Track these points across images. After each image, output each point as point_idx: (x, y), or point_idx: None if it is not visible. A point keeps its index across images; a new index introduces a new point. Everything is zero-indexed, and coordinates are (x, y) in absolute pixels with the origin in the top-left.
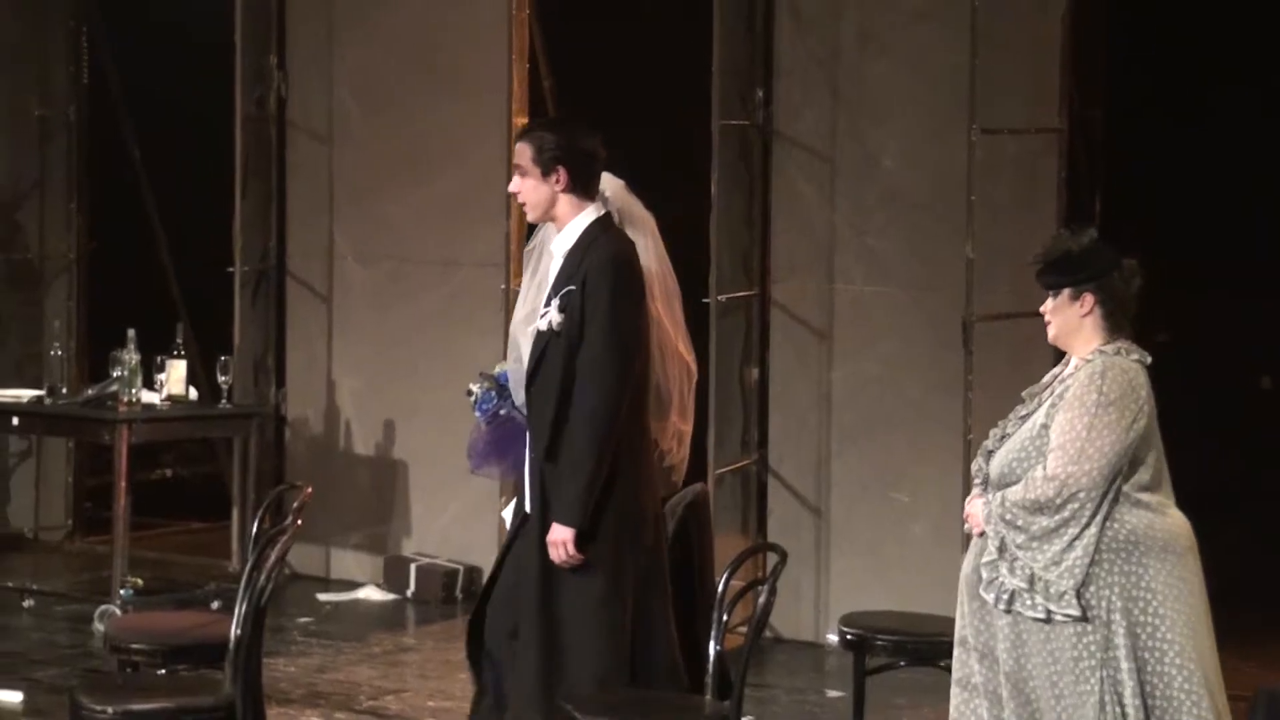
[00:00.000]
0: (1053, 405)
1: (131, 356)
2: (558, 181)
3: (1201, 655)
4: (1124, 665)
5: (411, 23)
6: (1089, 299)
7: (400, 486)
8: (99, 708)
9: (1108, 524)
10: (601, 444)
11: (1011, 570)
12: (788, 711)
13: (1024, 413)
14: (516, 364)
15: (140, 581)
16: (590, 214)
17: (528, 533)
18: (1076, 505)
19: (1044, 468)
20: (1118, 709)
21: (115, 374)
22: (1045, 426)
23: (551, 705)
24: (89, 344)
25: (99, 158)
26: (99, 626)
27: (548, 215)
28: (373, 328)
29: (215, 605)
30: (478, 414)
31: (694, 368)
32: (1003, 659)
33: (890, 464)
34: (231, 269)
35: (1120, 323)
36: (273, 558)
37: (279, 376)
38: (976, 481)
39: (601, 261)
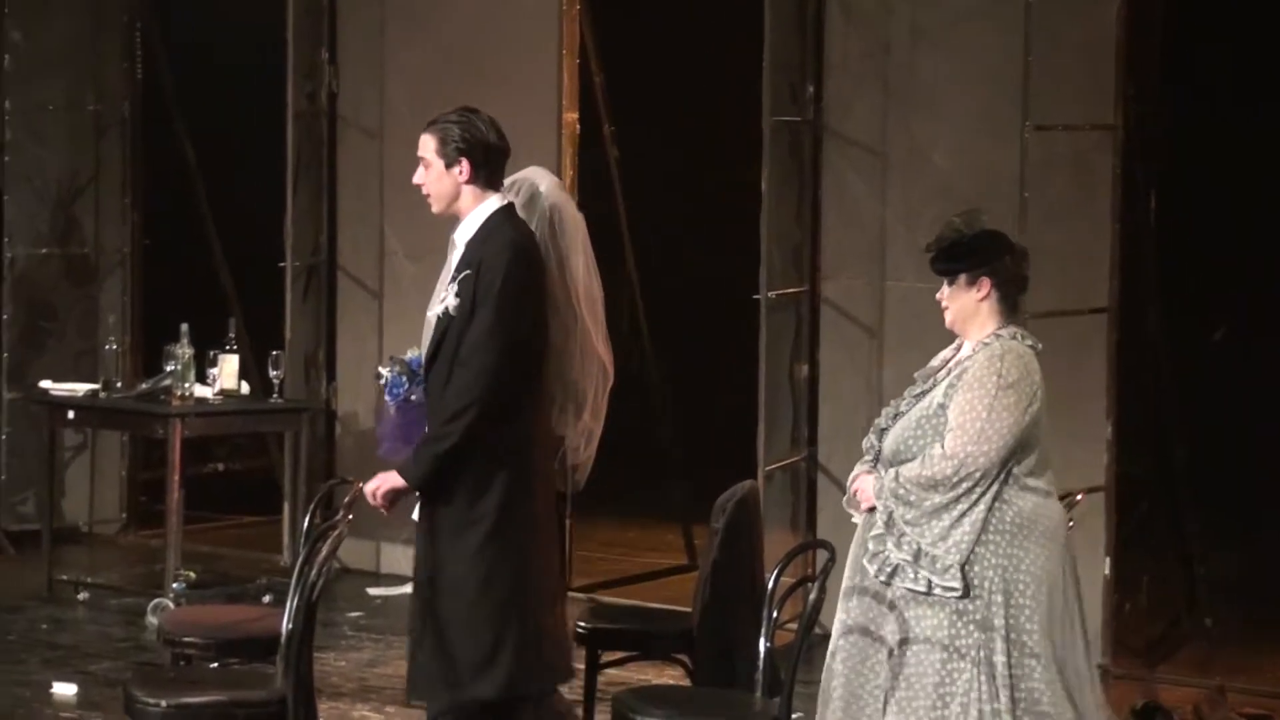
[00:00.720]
0: (950, 386)
1: (185, 351)
2: (461, 173)
3: (1062, 647)
4: (998, 646)
5: (463, 18)
6: (985, 283)
7: None
8: (152, 701)
9: (996, 505)
10: (471, 420)
11: (898, 545)
12: None
13: (918, 391)
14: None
15: (193, 575)
16: (492, 204)
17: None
18: (971, 484)
19: (942, 446)
20: (990, 687)
21: (169, 368)
22: (943, 406)
23: (450, 692)
24: (143, 338)
25: (153, 153)
26: (152, 620)
27: (451, 206)
28: (422, 323)
29: (267, 599)
30: (388, 398)
31: (610, 369)
32: (889, 637)
33: None
34: (283, 264)
35: (1015, 305)
36: (324, 552)
37: (330, 371)
38: (867, 458)
39: (497, 248)
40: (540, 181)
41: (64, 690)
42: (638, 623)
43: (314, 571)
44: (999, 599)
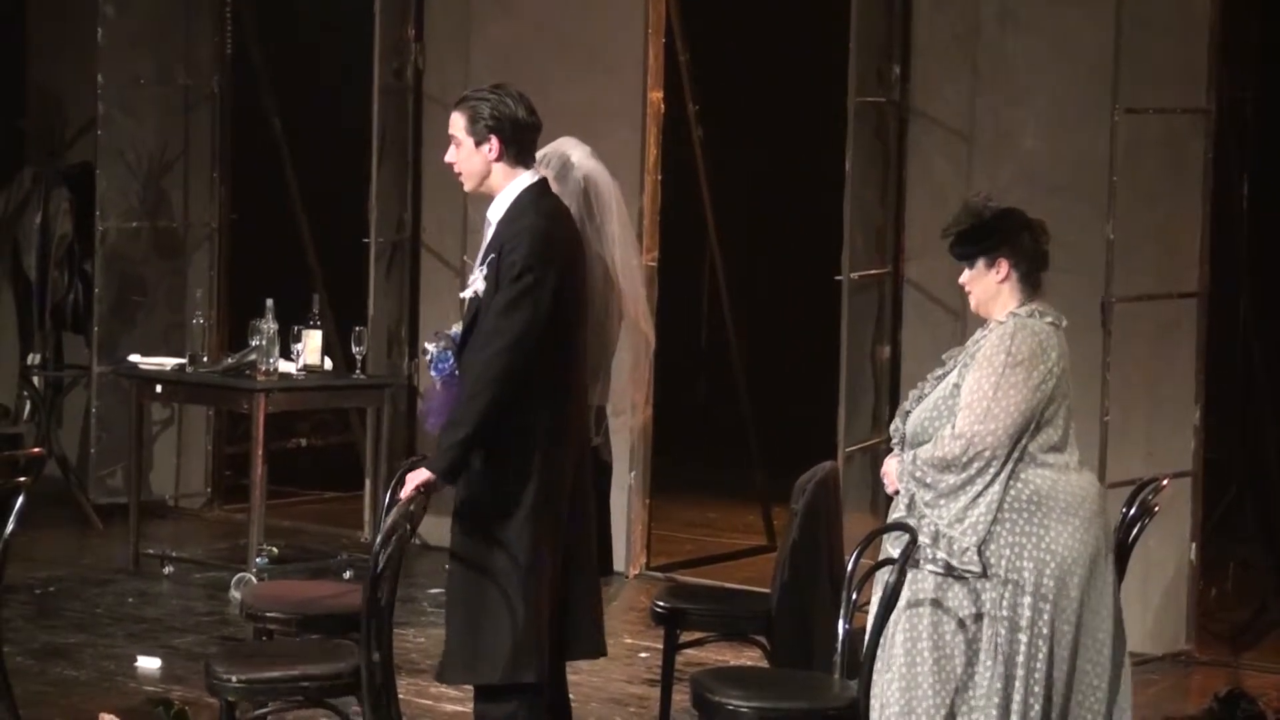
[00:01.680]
0: (965, 365)
1: (269, 326)
2: (491, 150)
3: (1081, 629)
4: (1022, 624)
5: None
6: (1004, 264)
7: None
8: (226, 675)
9: (1011, 483)
10: (484, 406)
11: (919, 527)
12: None
13: (940, 373)
14: None
15: (276, 550)
16: (523, 181)
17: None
18: (982, 464)
19: (952, 426)
20: (1001, 667)
21: (254, 343)
22: (957, 386)
23: (473, 672)
24: (229, 313)
25: (241, 128)
26: (235, 594)
27: (483, 184)
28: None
29: (348, 575)
30: (434, 373)
31: (651, 339)
32: (926, 612)
33: None
34: (367, 240)
35: (1036, 282)
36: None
37: (412, 348)
38: (894, 441)
39: (521, 232)
40: (572, 152)
41: (148, 664)
42: (716, 603)
43: (392, 548)
44: (1015, 578)
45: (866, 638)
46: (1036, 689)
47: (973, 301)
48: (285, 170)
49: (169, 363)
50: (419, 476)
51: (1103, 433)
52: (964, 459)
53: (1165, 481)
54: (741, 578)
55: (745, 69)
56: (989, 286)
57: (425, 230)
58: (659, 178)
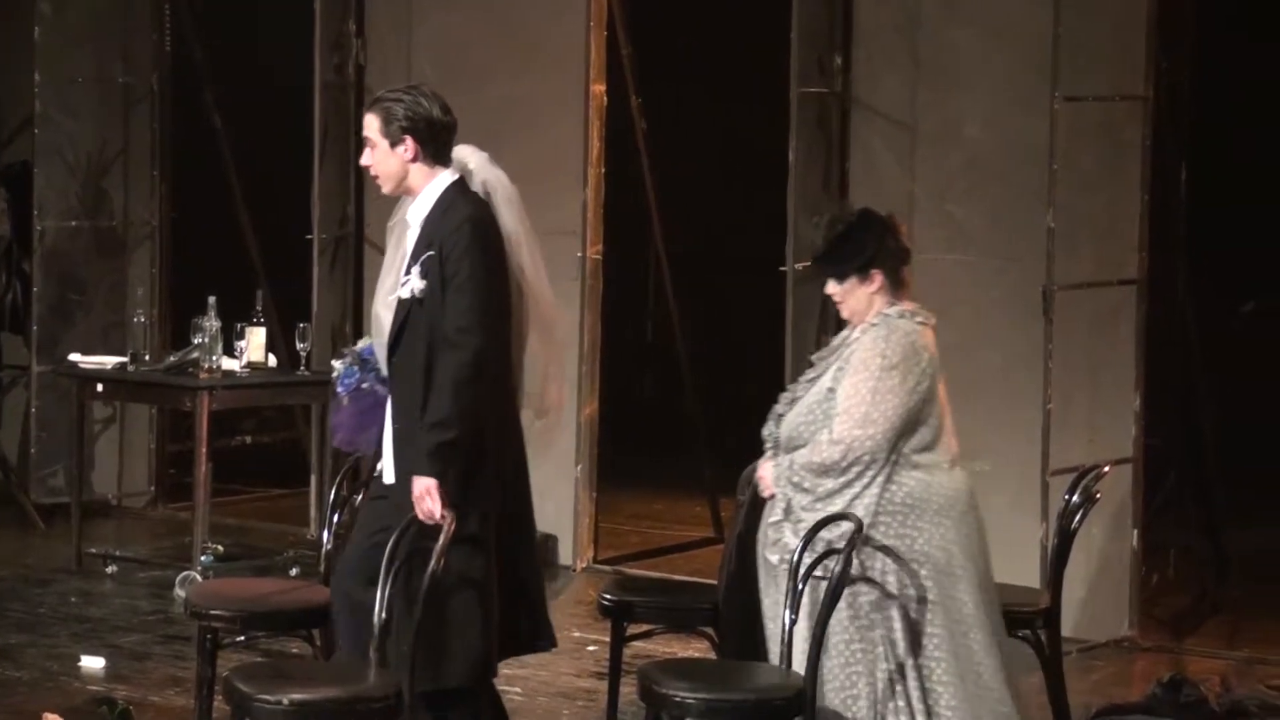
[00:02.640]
0: (839, 369)
1: (212, 324)
2: (406, 151)
3: (959, 623)
4: (897, 626)
5: None
6: (877, 275)
7: None
8: (272, 698)
9: (887, 485)
10: (468, 406)
11: (796, 531)
12: None
13: (812, 376)
14: (380, 338)
15: (221, 548)
16: (444, 180)
17: (390, 501)
18: (861, 468)
19: (830, 431)
20: (889, 666)
21: (196, 341)
22: (831, 390)
23: (437, 673)
24: (171, 311)
25: (181, 126)
26: (180, 593)
27: (401, 186)
28: None
29: (294, 572)
30: (340, 389)
31: (563, 340)
32: (802, 621)
33: (969, 433)
34: (310, 236)
35: (903, 279)
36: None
37: (356, 344)
38: (768, 445)
39: (458, 223)
40: (470, 159)
41: (92, 663)
42: (663, 595)
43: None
44: (892, 579)
45: (811, 630)
46: (919, 684)
47: (845, 312)
48: (226, 167)
49: (110, 361)
50: (424, 488)
51: (1045, 420)
52: (843, 464)
53: (1107, 468)
54: (689, 570)
55: (687, 61)
56: (862, 298)
57: (369, 226)
58: (602, 171)
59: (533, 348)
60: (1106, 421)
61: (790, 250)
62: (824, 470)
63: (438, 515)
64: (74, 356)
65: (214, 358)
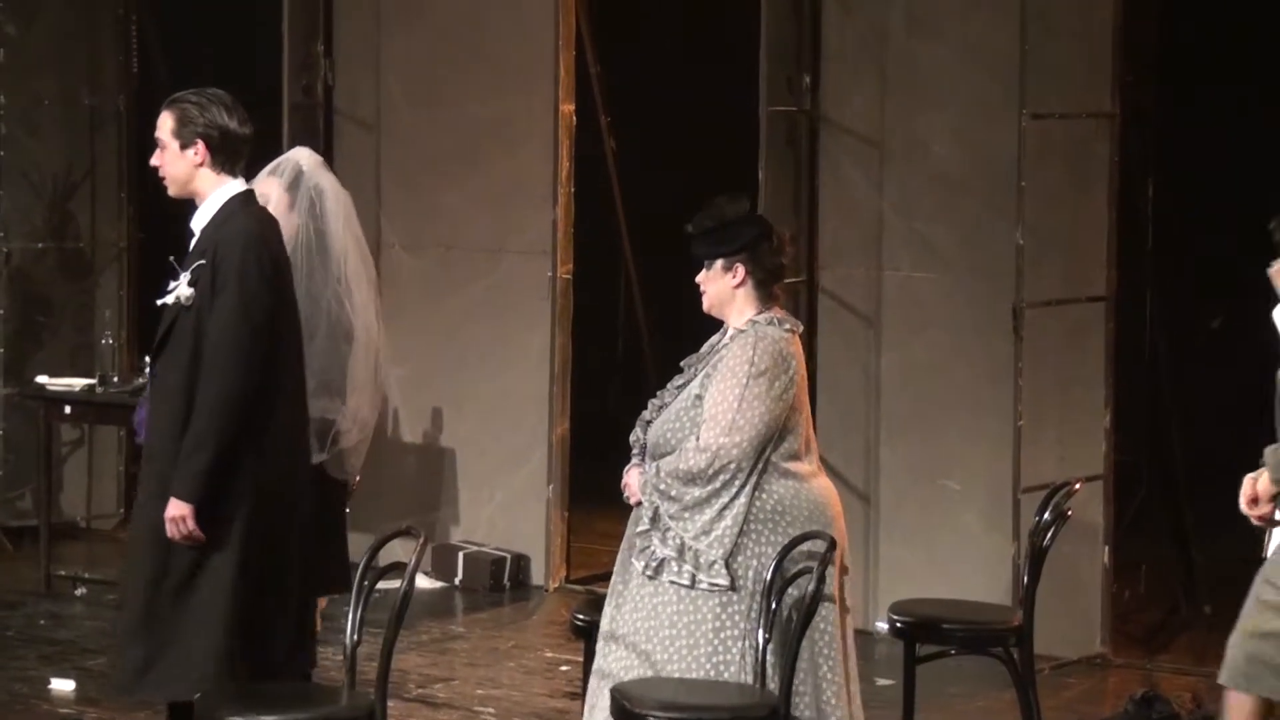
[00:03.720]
0: (707, 376)
1: None
2: (196, 155)
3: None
4: (762, 635)
5: (459, 11)
6: (740, 270)
7: (448, 474)
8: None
9: (756, 494)
10: (227, 424)
11: (663, 540)
12: None
13: (680, 382)
14: None
15: None
16: (230, 190)
17: (143, 505)
18: (728, 476)
19: (697, 438)
20: (758, 677)
21: None
22: (699, 397)
23: (157, 683)
24: (139, 333)
25: (148, 147)
26: None
27: (186, 190)
28: (420, 316)
29: None
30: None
31: (384, 350)
32: (629, 621)
33: (939, 451)
34: None
35: (771, 293)
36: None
37: None
38: (635, 452)
39: (232, 236)
40: (304, 162)
41: (62, 686)
42: None
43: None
44: (762, 589)
45: (787, 645)
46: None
47: (706, 302)
48: None
49: (78, 383)
50: (178, 513)
51: (1016, 437)
52: (710, 471)
53: (1078, 485)
54: None
55: (656, 80)
56: (724, 289)
57: None
58: (571, 190)
59: (353, 356)
60: (1076, 438)
61: None
62: (690, 478)
63: (188, 539)
64: (41, 379)
65: None
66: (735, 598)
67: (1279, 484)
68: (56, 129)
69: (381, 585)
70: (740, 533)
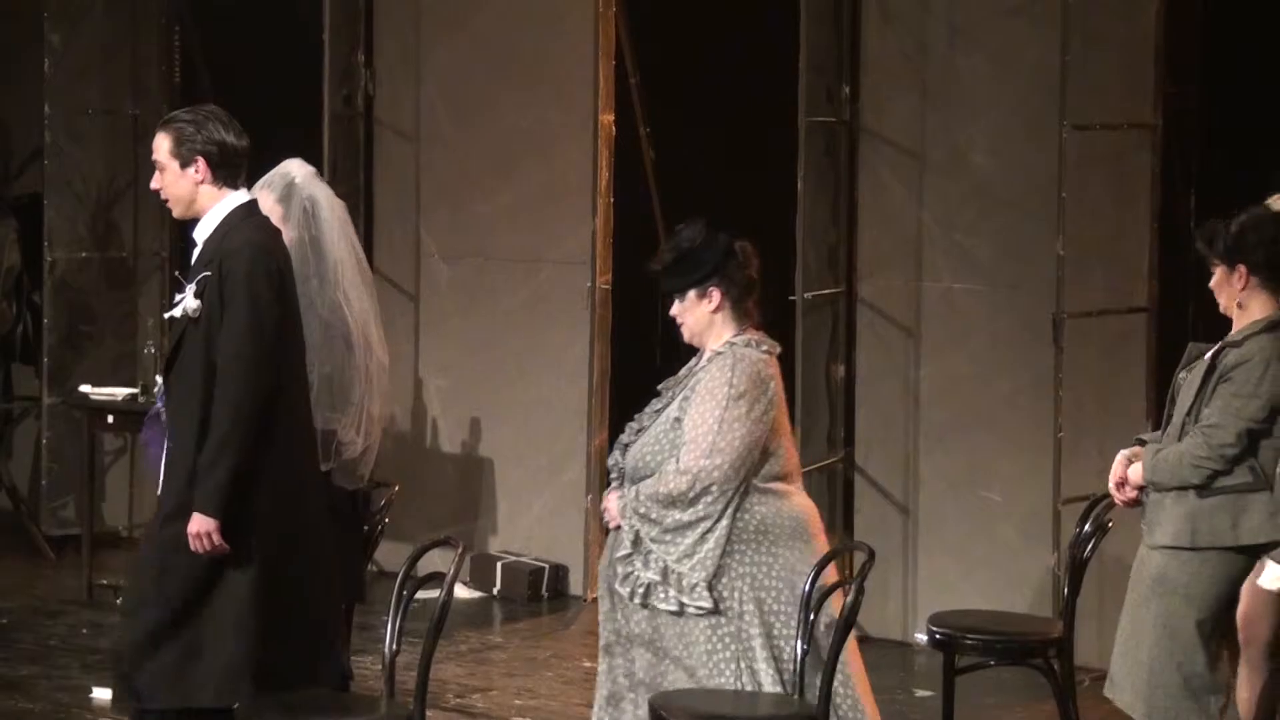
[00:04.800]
0: (685, 399)
1: None
2: (197, 173)
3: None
4: (759, 655)
5: (498, 21)
6: (715, 294)
7: (486, 484)
8: None
9: (738, 514)
10: (244, 435)
11: (646, 564)
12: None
13: (659, 406)
14: None
15: None
16: (232, 201)
17: (164, 522)
18: (710, 499)
19: (677, 461)
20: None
21: None
22: (678, 420)
23: (186, 693)
24: None
25: None
26: None
27: (192, 209)
28: (459, 326)
29: None
30: (160, 404)
31: (385, 358)
32: (639, 653)
33: (979, 462)
34: None
35: (748, 310)
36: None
37: None
38: (613, 476)
39: (237, 246)
40: (296, 174)
41: (103, 695)
42: None
43: (408, 592)
44: (751, 608)
45: (826, 657)
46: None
47: (685, 333)
48: None
49: (120, 392)
50: (202, 529)
51: (1056, 449)
52: (690, 494)
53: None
54: None
55: (696, 91)
56: (702, 318)
57: (378, 256)
58: (611, 200)
59: (352, 366)
60: (1117, 450)
61: (799, 278)
62: (671, 501)
63: (213, 553)
64: (84, 388)
65: None
66: (723, 620)
67: (1149, 482)
68: (100, 138)
69: (420, 595)
70: (724, 554)
